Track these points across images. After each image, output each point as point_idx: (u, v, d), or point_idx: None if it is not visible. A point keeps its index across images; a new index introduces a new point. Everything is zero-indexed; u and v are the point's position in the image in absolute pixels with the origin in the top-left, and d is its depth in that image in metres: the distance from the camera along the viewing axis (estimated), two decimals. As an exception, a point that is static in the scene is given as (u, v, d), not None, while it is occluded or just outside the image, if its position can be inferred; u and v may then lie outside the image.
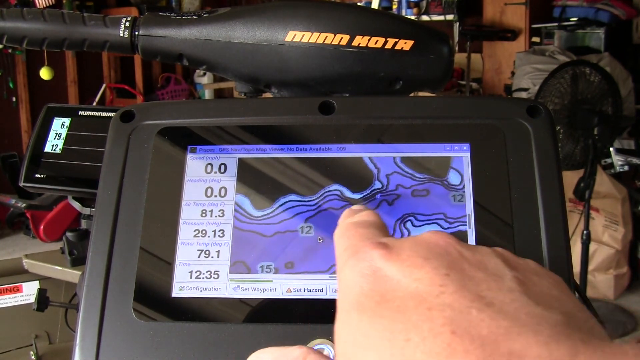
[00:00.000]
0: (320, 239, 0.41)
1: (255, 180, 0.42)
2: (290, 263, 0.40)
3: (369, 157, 0.42)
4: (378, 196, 0.41)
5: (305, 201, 0.42)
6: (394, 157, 0.42)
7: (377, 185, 0.42)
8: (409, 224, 0.40)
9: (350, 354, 0.24)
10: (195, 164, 0.43)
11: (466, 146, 0.42)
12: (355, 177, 0.42)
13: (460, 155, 0.42)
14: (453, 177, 0.41)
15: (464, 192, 0.41)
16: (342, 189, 0.42)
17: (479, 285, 0.24)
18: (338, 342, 0.25)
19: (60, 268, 1.47)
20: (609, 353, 0.20)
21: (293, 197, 0.42)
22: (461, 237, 0.40)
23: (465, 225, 0.40)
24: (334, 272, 0.39)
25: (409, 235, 0.40)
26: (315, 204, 0.41)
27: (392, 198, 0.41)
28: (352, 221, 0.31)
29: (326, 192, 0.42)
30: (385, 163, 0.42)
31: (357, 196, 0.41)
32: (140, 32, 0.52)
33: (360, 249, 0.27)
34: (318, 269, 0.40)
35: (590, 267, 2.74)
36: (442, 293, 0.23)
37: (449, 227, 0.40)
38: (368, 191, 0.42)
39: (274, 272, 0.40)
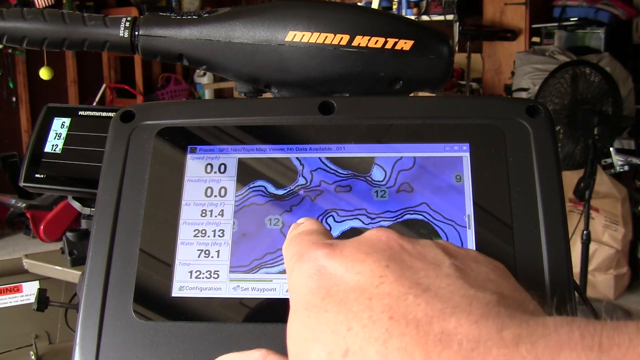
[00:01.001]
0: (243, 234, 0.41)
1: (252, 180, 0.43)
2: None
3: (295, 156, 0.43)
4: (301, 192, 0.42)
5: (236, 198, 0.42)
6: (321, 158, 0.43)
7: (301, 181, 0.42)
8: (330, 220, 0.41)
9: (300, 350, 0.25)
10: (195, 164, 0.43)
11: (466, 146, 0.42)
12: (279, 173, 0.42)
13: (460, 155, 0.42)
14: (377, 174, 0.42)
15: (387, 188, 0.41)
16: (266, 184, 0.42)
17: (417, 274, 0.25)
18: (289, 342, 0.26)
19: (60, 268, 1.47)
20: (533, 326, 0.22)
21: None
22: None
23: (387, 221, 0.41)
24: (254, 268, 0.40)
25: (330, 229, 0.41)
26: (240, 199, 0.42)
27: (315, 194, 0.42)
28: (296, 232, 0.32)
29: (250, 187, 0.42)
30: (310, 159, 0.43)
31: (280, 192, 0.42)
32: (140, 32, 0.52)
33: (305, 252, 0.28)
34: (239, 263, 0.40)
35: (590, 267, 2.74)
36: (382, 283, 0.25)
37: (371, 223, 0.41)
38: (292, 187, 0.42)
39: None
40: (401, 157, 0.42)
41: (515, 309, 0.23)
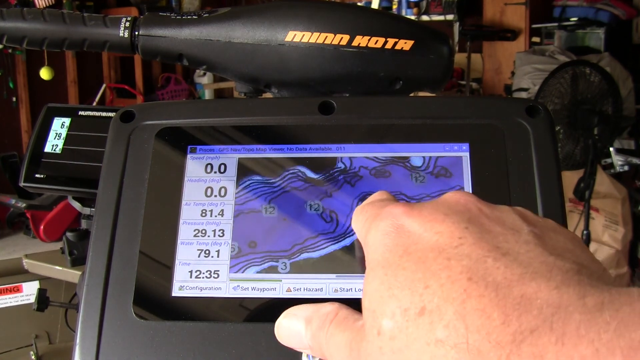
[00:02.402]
0: (283, 219, 0.41)
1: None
2: (253, 242, 0.41)
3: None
4: (340, 177, 0.42)
5: (269, 182, 0.42)
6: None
7: (340, 166, 0.42)
8: None
9: (375, 307, 0.25)
10: (195, 164, 0.43)
11: (466, 146, 0.42)
12: (318, 158, 0.43)
13: (460, 155, 0.42)
14: (415, 159, 0.42)
15: (425, 173, 0.42)
16: (304, 169, 0.42)
17: (496, 238, 0.25)
18: (364, 298, 0.26)
19: (60, 268, 1.47)
20: (615, 294, 0.21)
21: (257, 178, 0.42)
22: None
23: None
24: (295, 252, 0.40)
25: None
26: (279, 185, 0.42)
27: (355, 179, 0.42)
28: (365, 202, 0.32)
29: (289, 172, 0.42)
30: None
31: (318, 176, 0.42)
32: (140, 32, 0.52)
33: (382, 211, 0.28)
34: (280, 248, 0.40)
35: (590, 267, 2.73)
36: (461, 244, 0.25)
37: None
38: (332, 172, 0.42)
39: (237, 252, 0.40)
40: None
41: (595, 279, 0.23)
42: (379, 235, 0.27)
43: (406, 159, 0.42)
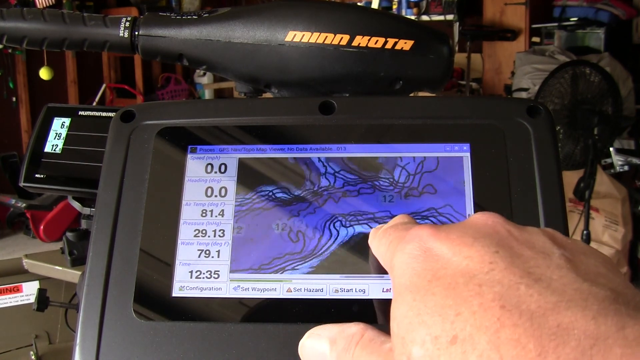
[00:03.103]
0: (250, 239, 0.41)
1: (255, 180, 0.43)
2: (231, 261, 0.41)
3: (300, 157, 0.43)
4: (309, 197, 0.42)
5: (239, 200, 0.42)
6: (320, 158, 0.43)
7: (308, 185, 0.42)
8: (338, 224, 0.41)
9: (404, 333, 0.24)
10: (195, 164, 0.43)
11: (466, 146, 0.42)
12: (287, 177, 0.42)
13: (461, 155, 0.42)
14: (385, 179, 0.42)
15: (395, 193, 0.41)
16: (273, 189, 0.42)
17: (528, 262, 0.24)
18: (392, 323, 0.25)
19: (60, 268, 1.47)
20: None
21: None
22: None
23: None
24: (267, 270, 0.40)
25: (338, 235, 0.40)
26: (247, 204, 0.42)
27: (323, 199, 0.41)
28: (387, 226, 0.31)
29: (257, 192, 0.42)
30: (317, 164, 0.43)
31: (287, 197, 0.42)
32: (140, 32, 0.52)
33: (407, 234, 0.28)
34: (250, 266, 0.40)
35: (590, 267, 2.73)
36: (492, 270, 0.24)
37: None
38: (299, 192, 0.42)
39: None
40: (408, 162, 0.42)
41: (632, 308, 0.22)
42: (406, 258, 0.26)
43: (375, 179, 0.42)
